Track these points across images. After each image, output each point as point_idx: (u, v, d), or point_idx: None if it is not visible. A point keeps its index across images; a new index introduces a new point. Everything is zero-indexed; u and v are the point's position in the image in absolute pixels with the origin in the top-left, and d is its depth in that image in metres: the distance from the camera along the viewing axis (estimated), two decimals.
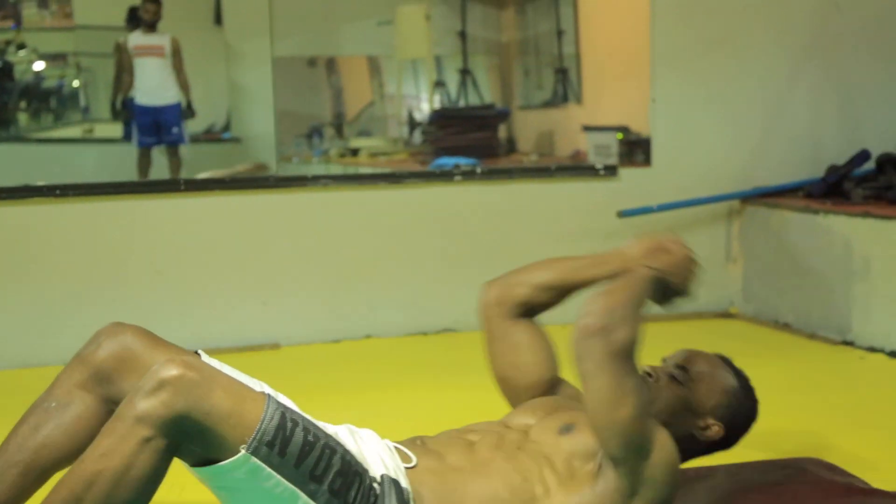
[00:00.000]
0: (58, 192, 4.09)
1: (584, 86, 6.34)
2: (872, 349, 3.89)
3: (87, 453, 1.66)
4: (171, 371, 1.64)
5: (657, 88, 4.57)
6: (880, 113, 4.74)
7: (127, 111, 6.21)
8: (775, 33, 4.67)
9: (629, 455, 1.85)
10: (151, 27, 5.89)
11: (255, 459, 1.66)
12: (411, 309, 4.42)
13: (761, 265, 4.53)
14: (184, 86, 6.02)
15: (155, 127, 5.97)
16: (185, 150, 6.10)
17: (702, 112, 4.63)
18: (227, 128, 6.46)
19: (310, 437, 1.72)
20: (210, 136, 6.48)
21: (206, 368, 1.70)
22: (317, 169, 6.12)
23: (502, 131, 6.52)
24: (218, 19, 6.29)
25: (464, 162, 5.07)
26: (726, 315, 4.64)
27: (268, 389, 1.82)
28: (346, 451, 1.77)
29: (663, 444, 1.89)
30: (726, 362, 2.17)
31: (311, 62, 6.92)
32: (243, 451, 1.66)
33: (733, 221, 4.64)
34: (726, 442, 2.12)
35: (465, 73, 6.82)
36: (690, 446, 2.08)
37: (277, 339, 4.27)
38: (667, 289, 2.03)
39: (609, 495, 1.87)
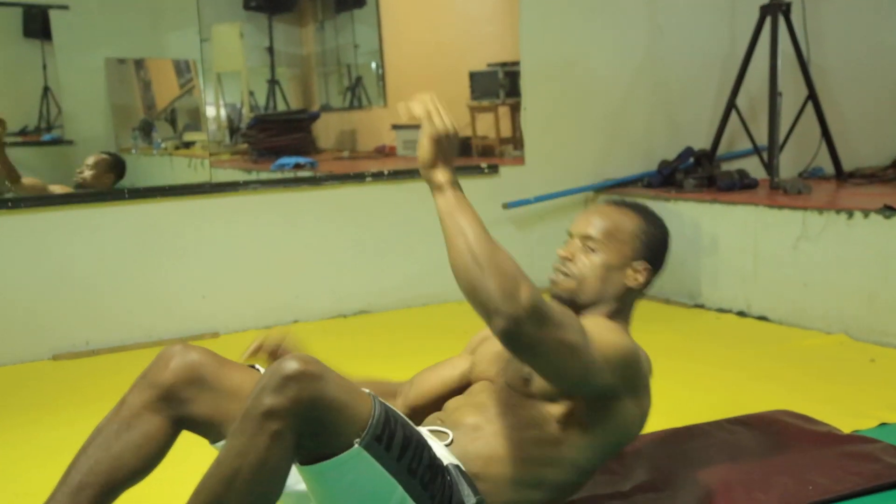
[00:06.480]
0: (9, 204, 4.31)
1: (388, 91, 7.27)
2: (721, 310, 4.80)
3: (222, 455, 1.68)
4: (294, 366, 1.65)
5: (527, 99, 5.34)
6: (694, 116, 5.72)
7: None
8: (615, 55, 5.53)
9: (598, 384, 1.93)
10: None
11: (365, 453, 1.70)
12: (331, 294, 4.97)
13: None
14: None
15: None
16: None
17: (562, 119, 5.45)
18: (44, 129, 6.43)
19: (407, 433, 1.77)
20: (28, 139, 6.49)
21: (320, 364, 1.70)
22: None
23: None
24: (27, 33, 6.35)
25: (303, 161, 5.68)
26: None
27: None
28: (430, 447, 1.84)
29: (609, 346, 1.93)
30: (618, 205, 2.21)
31: (121, 60, 7.06)
32: (357, 445, 1.69)
33: None
34: (656, 272, 2.19)
35: (273, 83, 7.41)
36: (630, 296, 2.17)
37: (216, 328, 4.70)
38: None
39: (602, 412, 2.00)
